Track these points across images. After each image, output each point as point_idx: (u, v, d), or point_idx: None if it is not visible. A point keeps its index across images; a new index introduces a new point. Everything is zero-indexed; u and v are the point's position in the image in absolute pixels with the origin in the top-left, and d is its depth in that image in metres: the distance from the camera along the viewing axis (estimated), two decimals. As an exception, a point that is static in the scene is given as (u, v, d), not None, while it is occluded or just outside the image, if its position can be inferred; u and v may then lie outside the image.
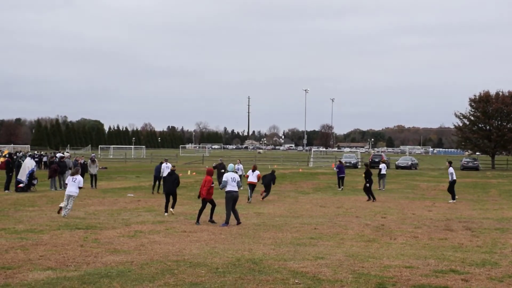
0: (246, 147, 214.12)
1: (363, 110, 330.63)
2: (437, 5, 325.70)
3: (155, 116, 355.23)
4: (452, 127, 79.01)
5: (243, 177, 27.46)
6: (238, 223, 16.39)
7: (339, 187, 32.21)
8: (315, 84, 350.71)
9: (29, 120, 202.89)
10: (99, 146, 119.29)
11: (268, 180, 25.24)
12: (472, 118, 68.37)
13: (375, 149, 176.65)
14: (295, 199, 25.70)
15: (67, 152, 60.50)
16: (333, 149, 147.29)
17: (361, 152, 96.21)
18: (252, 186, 23.98)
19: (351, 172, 48.87)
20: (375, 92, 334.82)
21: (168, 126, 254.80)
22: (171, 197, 19.03)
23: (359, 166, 64.72)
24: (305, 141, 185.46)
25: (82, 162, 31.40)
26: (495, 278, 10.02)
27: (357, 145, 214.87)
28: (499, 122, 67.32)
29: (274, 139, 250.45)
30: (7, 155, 31.84)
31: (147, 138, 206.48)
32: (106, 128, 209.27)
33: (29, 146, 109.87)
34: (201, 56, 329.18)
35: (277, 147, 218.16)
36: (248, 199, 23.47)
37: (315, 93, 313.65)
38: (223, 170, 31.13)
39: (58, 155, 35.01)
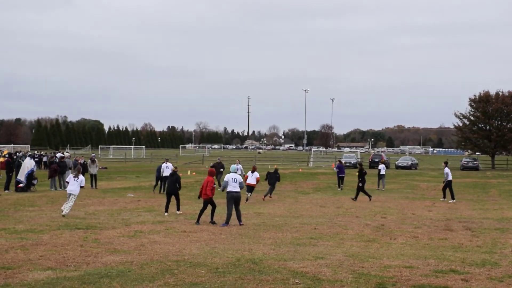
0: (246, 147, 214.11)
1: (363, 110, 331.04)
2: (437, 5, 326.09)
3: (155, 116, 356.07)
4: (452, 127, 79.09)
5: (243, 177, 27.47)
6: (240, 224, 16.37)
7: (339, 187, 32.21)
8: (315, 84, 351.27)
9: (29, 120, 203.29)
10: (99, 146, 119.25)
11: (274, 179, 25.69)
12: (472, 118, 68.38)
13: (375, 149, 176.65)
14: (295, 199, 25.70)
15: (67, 152, 60.50)
16: (333, 149, 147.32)
17: (361, 152, 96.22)
18: (250, 188, 23.94)
19: (351, 172, 48.83)
20: (375, 92, 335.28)
21: (168, 126, 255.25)
22: (172, 198, 19.07)
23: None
24: (305, 141, 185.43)
25: (82, 162, 31.39)
26: (495, 278, 10.03)
27: (357, 145, 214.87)
28: (499, 122, 67.33)
29: (274, 139, 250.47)
30: (7, 155, 31.82)
31: (147, 138, 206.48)
32: (106, 128, 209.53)
33: (29, 146, 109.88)
34: (201, 56, 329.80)
35: (277, 147, 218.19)
36: (247, 199, 23.46)
37: (315, 93, 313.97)
38: (222, 170, 31.16)
39: (58, 155, 35.02)
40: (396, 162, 64.78)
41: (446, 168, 25.95)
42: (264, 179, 26.45)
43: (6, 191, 26.65)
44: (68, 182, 18.86)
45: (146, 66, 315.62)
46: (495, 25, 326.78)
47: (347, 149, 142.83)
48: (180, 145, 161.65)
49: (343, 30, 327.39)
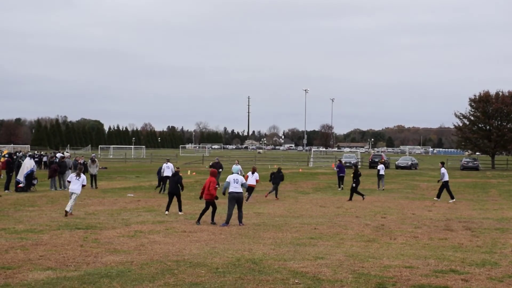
0: (246, 147, 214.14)
1: (363, 110, 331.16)
2: (437, 5, 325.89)
3: (155, 116, 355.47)
4: (452, 127, 79.07)
5: (243, 177, 27.50)
6: (240, 224, 16.36)
7: (339, 187, 32.22)
8: (315, 84, 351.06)
9: (29, 120, 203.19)
10: (99, 146, 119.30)
11: (278, 179, 25.85)
12: (472, 118, 68.38)
13: (375, 149, 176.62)
14: (295, 199, 25.70)
15: (67, 152, 60.51)
16: (333, 149, 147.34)
17: (361, 152, 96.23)
18: (251, 189, 23.93)
19: (351, 172, 48.80)
20: (375, 92, 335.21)
21: (168, 126, 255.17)
22: (174, 198, 19.12)
23: (359, 166, 64.74)
24: (305, 141, 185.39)
25: (82, 162, 31.38)
26: (495, 278, 10.03)
27: (357, 145, 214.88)
28: (499, 122, 67.32)
29: (274, 139, 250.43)
30: (6, 155, 31.83)
31: (147, 138, 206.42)
32: (106, 128, 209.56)
33: (29, 146, 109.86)
34: (201, 56, 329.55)
35: (277, 147, 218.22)
36: (246, 200, 23.46)
37: (315, 93, 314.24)
38: (220, 170, 31.22)
39: (58, 155, 35.03)
40: (396, 162, 64.79)
41: (443, 168, 26.04)
42: (269, 180, 26.58)
43: (6, 191, 26.65)
44: (69, 182, 18.94)
45: (146, 66, 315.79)
46: (495, 25, 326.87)
47: (347, 149, 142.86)
48: (180, 145, 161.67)
49: (343, 30, 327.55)
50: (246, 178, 24.53)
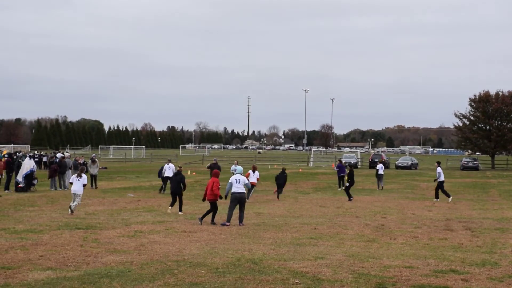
0: (246, 147, 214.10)
1: (363, 110, 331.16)
2: (437, 5, 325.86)
3: (155, 116, 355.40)
4: (452, 127, 79.07)
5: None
6: (240, 224, 16.36)
7: (339, 187, 32.22)
8: (315, 84, 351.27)
9: (29, 120, 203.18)
10: (99, 146, 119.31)
11: (281, 179, 25.90)
12: (472, 118, 68.38)
13: (375, 149, 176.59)
14: (295, 199, 25.70)
15: (67, 152, 60.51)
16: (333, 149, 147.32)
17: (361, 152, 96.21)
18: (251, 186, 24.00)
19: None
20: (375, 92, 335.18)
21: (168, 126, 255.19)
22: (177, 197, 19.17)
23: (359, 166, 64.78)
24: (305, 141, 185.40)
25: (82, 162, 31.39)
26: (495, 278, 10.03)
27: (357, 145, 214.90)
28: (499, 122, 67.32)
29: (274, 139, 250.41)
30: (6, 155, 31.82)
31: (147, 138, 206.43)
32: (106, 128, 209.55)
33: (29, 146, 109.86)
34: (201, 56, 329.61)
35: (277, 147, 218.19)
36: (247, 198, 23.46)
37: (315, 93, 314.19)
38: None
39: (58, 155, 35.03)
40: (396, 162, 64.81)
41: (439, 168, 26.07)
42: (275, 182, 26.75)
43: (6, 191, 26.66)
44: (71, 183, 19.07)
45: (146, 66, 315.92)
46: (495, 25, 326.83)
47: (347, 149, 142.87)
48: (180, 145, 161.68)
49: (343, 30, 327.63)
50: (247, 176, 24.58)
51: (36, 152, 62.40)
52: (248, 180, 23.90)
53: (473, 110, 68.25)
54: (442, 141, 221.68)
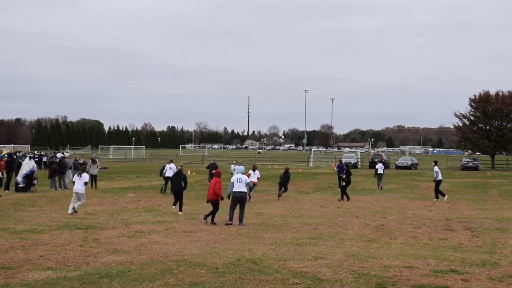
0: (246, 147, 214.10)
1: (363, 110, 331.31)
2: (437, 5, 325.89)
3: (155, 116, 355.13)
4: (452, 127, 79.05)
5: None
6: (240, 224, 16.36)
7: (339, 187, 32.17)
8: (315, 84, 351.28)
9: (29, 120, 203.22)
10: (99, 146, 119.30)
11: (284, 179, 26.01)
12: (472, 118, 68.37)
13: (375, 149, 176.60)
14: (295, 199, 25.70)
15: (67, 152, 60.50)
16: (333, 149, 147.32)
17: (361, 152, 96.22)
18: (253, 185, 24.03)
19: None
20: (375, 92, 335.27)
21: (168, 126, 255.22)
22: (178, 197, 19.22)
23: (359, 166, 64.80)
24: (305, 141, 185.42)
25: (82, 162, 31.37)
26: (495, 278, 10.03)
27: (357, 145, 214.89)
28: (499, 122, 67.31)
29: (274, 139, 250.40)
30: (6, 155, 31.80)
31: (147, 138, 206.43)
32: (106, 128, 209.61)
33: (29, 146, 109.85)
34: (201, 56, 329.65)
35: (277, 147, 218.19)
36: (248, 199, 23.47)
37: (315, 93, 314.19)
38: (213, 171, 31.31)
39: (59, 155, 35.02)
40: (396, 162, 64.81)
41: (436, 167, 26.15)
42: (279, 181, 26.82)
43: (6, 191, 26.66)
44: (74, 182, 19.17)
45: (146, 66, 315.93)
46: (495, 25, 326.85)
47: (347, 149, 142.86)
48: (180, 145, 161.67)
49: (343, 30, 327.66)
50: (248, 176, 24.60)
51: (36, 152, 62.38)
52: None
53: (473, 110, 68.24)
54: (442, 141, 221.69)
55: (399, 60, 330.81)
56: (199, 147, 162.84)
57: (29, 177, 27.09)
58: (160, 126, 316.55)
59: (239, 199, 16.48)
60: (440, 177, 25.93)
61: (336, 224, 16.95)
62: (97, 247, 12.53)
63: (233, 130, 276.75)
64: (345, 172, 26.11)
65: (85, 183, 18.97)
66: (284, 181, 25.99)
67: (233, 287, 9.20)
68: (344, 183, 25.46)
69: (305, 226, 16.35)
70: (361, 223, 17.28)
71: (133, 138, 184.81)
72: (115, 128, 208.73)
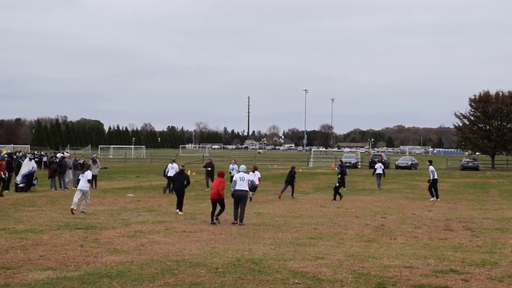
0: (246, 147, 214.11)
1: (363, 110, 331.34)
2: (437, 5, 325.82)
3: (155, 116, 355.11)
4: (452, 127, 79.03)
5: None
6: (240, 223, 16.36)
7: (343, 187, 32.17)
8: (315, 84, 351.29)
9: (29, 120, 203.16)
10: (99, 146, 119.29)
11: (289, 177, 26.25)
12: (472, 118, 68.34)
13: (375, 149, 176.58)
14: (295, 199, 25.70)
15: (67, 152, 60.49)
16: (333, 149, 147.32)
17: (361, 152, 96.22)
18: (253, 187, 24.04)
19: (351, 172, 48.79)
20: (375, 92, 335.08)
21: (168, 126, 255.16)
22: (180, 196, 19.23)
23: (359, 166, 64.81)
24: (305, 141, 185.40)
25: (82, 162, 31.37)
26: (495, 278, 10.03)
27: (357, 145, 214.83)
28: (499, 122, 67.28)
29: (274, 139, 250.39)
30: (6, 155, 31.80)
31: (147, 138, 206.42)
32: (106, 128, 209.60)
33: (29, 146, 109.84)
34: (201, 56, 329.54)
35: (277, 147, 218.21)
36: (250, 199, 23.47)
37: (315, 93, 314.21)
38: (209, 169, 31.58)
39: (59, 155, 35.02)
40: (396, 162, 64.81)
41: (431, 167, 26.19)
42: (284, 180, 26.96)
43: (6, 191, 26.65)
44: (79, 180, 19.32)
45: (146, 66, 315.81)
46: (495, 25, 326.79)
47: (347, 149, 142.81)
48: (180, 145, 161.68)
49: (343, 30, 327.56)
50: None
51: (36, 152, 62.37)
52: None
53: (473, 110, 68.22)
54: (442, 141, 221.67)
55: (399, 60, 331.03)
56: (199, 147, 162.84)
57: (29, 177, 27.10)
58: (160, 126, 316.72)
59: (239, 197, 16.51)
60: (435, 176, 25.96)
61: (336, 224, 16.95)
62: (97, 247, 12.53)
63: (233, 130, 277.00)
64: (340, 172, 26.14)
65: (89, 181, 19.08)
66: (290, 180, 26.13)
67: (233, 287, 9.20)
68: (337, 184, 25.58)
69: (305, 226, 16.36)
70: (361, 223, 17.28)
71: (133, 138, 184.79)
72: (115, 128, 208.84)
